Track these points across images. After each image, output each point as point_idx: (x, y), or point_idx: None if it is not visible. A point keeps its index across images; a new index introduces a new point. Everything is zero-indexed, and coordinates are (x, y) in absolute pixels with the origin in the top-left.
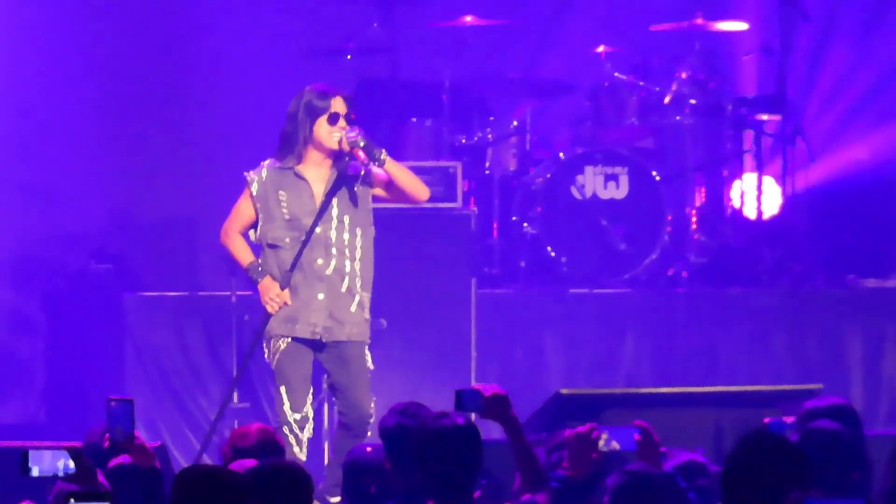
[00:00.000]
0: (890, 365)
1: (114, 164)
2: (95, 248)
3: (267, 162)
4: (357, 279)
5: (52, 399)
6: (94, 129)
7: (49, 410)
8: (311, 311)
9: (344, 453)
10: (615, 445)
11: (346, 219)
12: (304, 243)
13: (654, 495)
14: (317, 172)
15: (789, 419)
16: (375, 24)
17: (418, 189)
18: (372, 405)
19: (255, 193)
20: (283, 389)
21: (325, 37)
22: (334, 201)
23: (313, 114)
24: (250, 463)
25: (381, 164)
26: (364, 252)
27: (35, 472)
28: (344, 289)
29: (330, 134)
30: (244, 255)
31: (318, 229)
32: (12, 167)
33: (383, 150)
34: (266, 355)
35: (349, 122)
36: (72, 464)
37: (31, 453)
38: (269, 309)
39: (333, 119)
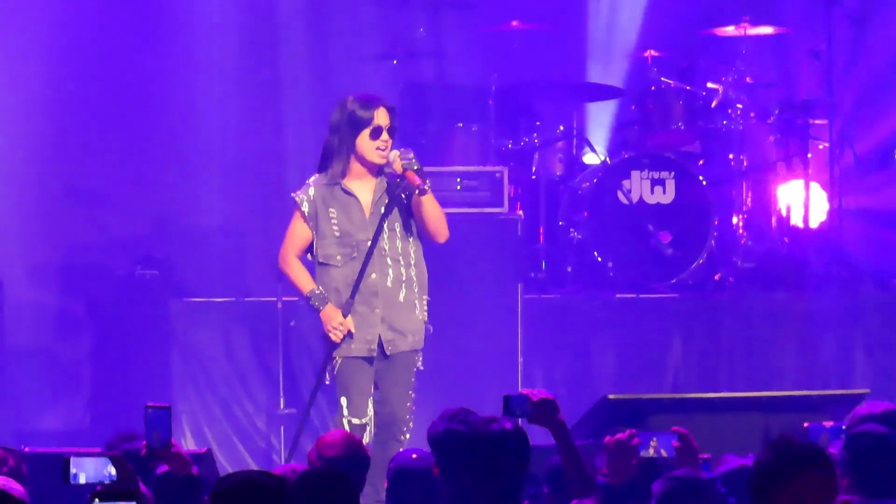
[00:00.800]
0: None
1: (160, 170)
2: (142, 254)
3: (313, 179)
4: (414, 285)
5: (97, 405)
6: (140, 136)
7: (94, 416)
8: (369, 328)
9: (380, 453)
10: (663, 453)
11: (397, 226)
12: (366, 262)
13: (699, 501)
14: (362, 185)
15: (828, 424)
16: (422, 29)
17: (441, 228)
18: (410, 405)
19: (307, 213)
20: (343, 401)
21: (371, 41)
22: (383, 211)
23: (356, 126)
24: (300, 467)
25: (423, 193)
26: (417, 257)
27: (76, 479)
28: (402, 298)
29: (375, 149)
30: (304, 282)
31: (369, 243)
32: (59, 174)
33: (427, 180)
34: (332, 365)
35: (392, 134)
36: (113, 470)
37: (73, 460)
38: (332, 338)
39: (376, 133)
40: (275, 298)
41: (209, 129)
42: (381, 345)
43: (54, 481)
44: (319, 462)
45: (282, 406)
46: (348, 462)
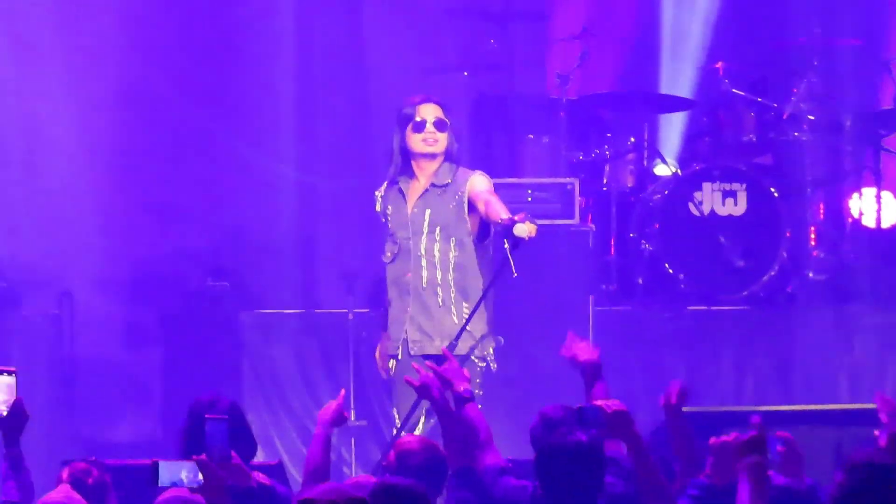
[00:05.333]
0: None
1: (231, 184)
2: (213, 266)
3: (386, 181)
4: (451, 290)
5: (168, 416)
6: (210, 151)
7: (165, 428)
8: (398, 326)
9: None
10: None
11: (438, 230)
12: (403, 260)
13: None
14: (413, 185)
15: None
16: (492, 41)
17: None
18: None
19: (379, 211)
20: (394, 411)
21: (443, 53)
22: (427, 213)
23: (403, 122)
24: (369, 480)
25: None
26: (460, 263)
27: (163, 483)
28: (439, 301)
29: (420, 140)
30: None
31: (409, 242)
32: (130, 187)
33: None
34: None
35: (443, 128)
36: (200, 475)
37: (161, 465)
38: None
39: (420, 126)
40: (346, 310)
41: (278, 142)
42: (407, 346)
43: (135, 490)
44: (398, 468)
45: (352, 418)
46: (427, 468)
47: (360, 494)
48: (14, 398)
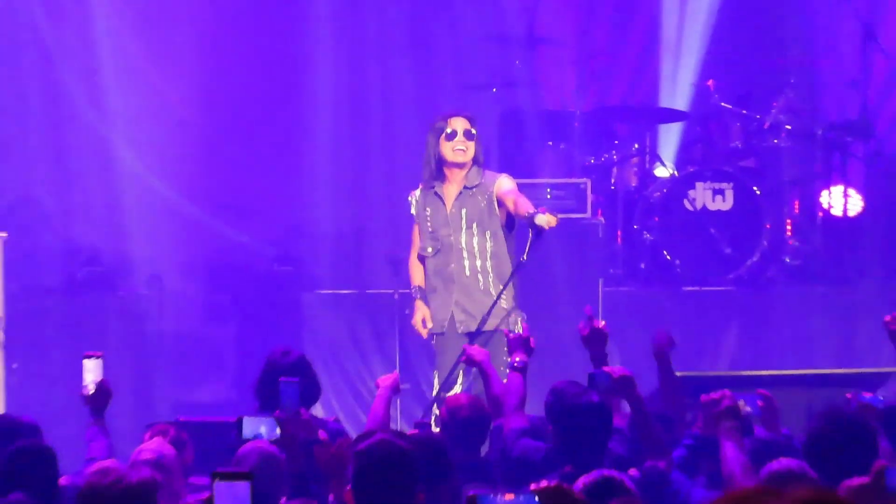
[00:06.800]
0: None
1: (294, 183)
2: (278, 254)
3: (420, 185)
4: (490, 275)
5: (241, 381)
6: (276, 154)
7: (239, 390)
8: (444, 309)
9: None
10: (749, 409)
11: (475, 226)
12: (446, 254)
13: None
14: (449, 189)
15: (867, 395)
16: (518, 62)
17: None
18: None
19: (414, 213)
20: (435, 374)
21: (474, 72)
22: (463, 212)
23: (438, 133)
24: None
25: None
26: (495, 252)
27: (246, 436)
28: (481, 286)
29: (452, 149)
30: (414, 278)
31: (451, 238)
32: (210, 188)
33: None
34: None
35: (472, 138)
36: (278, 430)
37: (245, 420)
38: (415, 327)
39: (451, 136)
40: (392, 290)
41: (334, 145)
42: (454, 324)
43: (214, 445)
44: (449, 421)
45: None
46: (473, 421)
47: (408, 442)
48: (100, 379)
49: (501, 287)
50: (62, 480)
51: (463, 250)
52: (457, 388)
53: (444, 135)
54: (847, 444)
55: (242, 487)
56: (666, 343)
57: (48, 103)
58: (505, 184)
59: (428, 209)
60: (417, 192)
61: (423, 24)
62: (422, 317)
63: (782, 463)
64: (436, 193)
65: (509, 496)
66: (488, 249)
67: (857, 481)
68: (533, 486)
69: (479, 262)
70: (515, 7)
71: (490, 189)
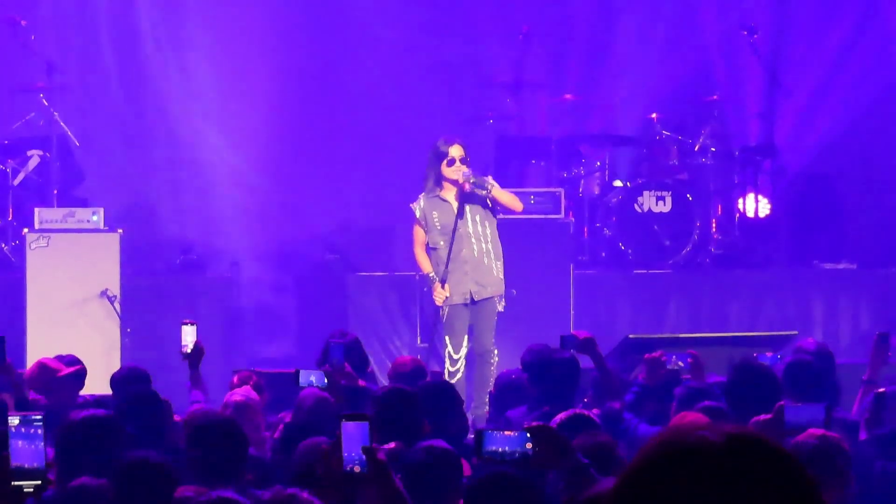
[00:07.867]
0: (844, 322)
1: (339, 187)
2: (329, 244)
3: (422, 195)
4: (492, 254)
5: (301, 343)
6: (327, 161)
7: (299, 349)
8: (464, 285)
9: (478, 375)
10: (680, 364)
11: (478, 217)
12: (457, 242)
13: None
14: (450, 194)
15: (769, 354)
16: (508, 99)
17: (514, 204)
18: (493, 339)
19: (418, 217)
20: (447, 338)
21: (475, 108)
22: (467, 208)
23: (439, 158)
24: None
25: (489, 192)
26: (493, 236)
27: (302, 384)
28: (486, 262)
29: (453, 171)
30: (425, 266)
31: (461, 229)
32: (276, 188)
33: (488, 181)
34: (441, 314)
35: (465, 162)
36: (325, 379)
37: (301, 372)
38: (437, 302)
39: (451, 162)
40: (414, 273)
41: (373, 150)
42: (471, 295)
43: (281, 390)
44: (395, 376)
45: (419, 342)
46: (415, 377)
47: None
48: (195, 339)
49: (496, 263)
50: (175, 418)
51: (471, 236)
52: (463, 349)
53: (445, 160)
54: (755, 390)
55: (363, 427)
56: (582, 342)
57: (158, 127)
58: (493, 183)
59: (434, 212)
60: (421, 201)
61: (444, 72)
62: (442, 294)
63: (706, 405)
64: (439, 198)
65: (508, 432)
66: (489, 234)
67: (763, 417)
68: (526, 425)
69: (484, 245)
70: (507, 60)
71: (486, 187)
